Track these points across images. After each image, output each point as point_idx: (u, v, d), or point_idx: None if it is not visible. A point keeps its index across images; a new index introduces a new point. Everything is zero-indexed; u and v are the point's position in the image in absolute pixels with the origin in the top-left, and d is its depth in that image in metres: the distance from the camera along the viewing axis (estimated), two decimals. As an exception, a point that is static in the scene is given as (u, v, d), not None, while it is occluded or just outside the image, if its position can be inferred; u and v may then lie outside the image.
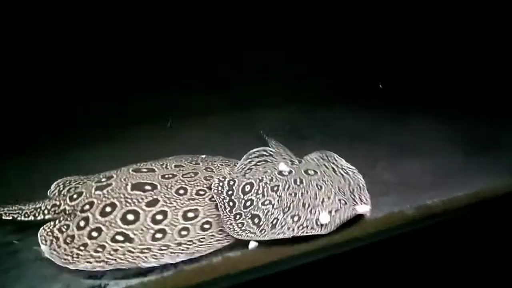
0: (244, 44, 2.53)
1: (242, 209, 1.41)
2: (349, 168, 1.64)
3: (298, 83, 2.66)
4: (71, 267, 1.16)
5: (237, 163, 1.63)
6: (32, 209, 1.39)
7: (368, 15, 2.62)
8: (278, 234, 1.30)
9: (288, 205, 1.39)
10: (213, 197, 1.38)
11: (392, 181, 1.68)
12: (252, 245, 1.30)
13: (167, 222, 1.26)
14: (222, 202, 1.38)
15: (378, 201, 1.53)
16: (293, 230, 1.31)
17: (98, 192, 1.35)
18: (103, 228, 1.25)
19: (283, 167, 1.56)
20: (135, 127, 2.17)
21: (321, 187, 1.46)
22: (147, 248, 1.20)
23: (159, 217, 1.27)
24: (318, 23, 2.64)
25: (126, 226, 1.25)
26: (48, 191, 1.52)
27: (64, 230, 1.26)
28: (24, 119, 2.14)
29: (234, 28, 2.53)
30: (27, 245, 1.29)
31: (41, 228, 1.28)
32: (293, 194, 1.43)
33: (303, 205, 1.39)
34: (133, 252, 1.19)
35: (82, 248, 1.20)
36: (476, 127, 2.12)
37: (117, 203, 1.30)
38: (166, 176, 1.43)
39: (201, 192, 1.40)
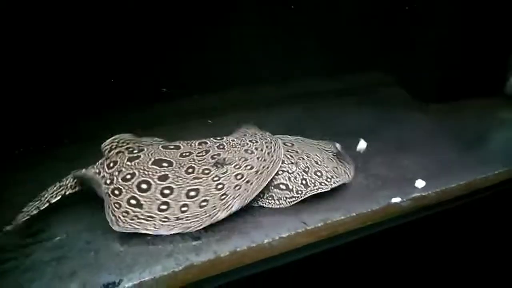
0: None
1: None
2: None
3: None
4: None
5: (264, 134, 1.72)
6: (58, 187, 1.48)
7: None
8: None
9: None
10: (216, 176, 1.49)
11: (387, 175, 1.75)
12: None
13: (172, 197, 1.42)
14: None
15: (374, 194, 1.60)
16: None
17: (128, 162, 1.53)
18: (123, 189, 1.43)
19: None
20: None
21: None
22: (151, 217, 1.36)
23: (166, 191, 1.43)
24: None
25: (139, 193, 1.42)
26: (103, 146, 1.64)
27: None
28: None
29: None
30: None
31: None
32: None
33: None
34: (139, 218, 1.35)
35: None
36: (471, 123, 2.26)
37: (136, 173, 1.48)
38: (184, 154, 1.57)
39: (206, 171, 1.51)
